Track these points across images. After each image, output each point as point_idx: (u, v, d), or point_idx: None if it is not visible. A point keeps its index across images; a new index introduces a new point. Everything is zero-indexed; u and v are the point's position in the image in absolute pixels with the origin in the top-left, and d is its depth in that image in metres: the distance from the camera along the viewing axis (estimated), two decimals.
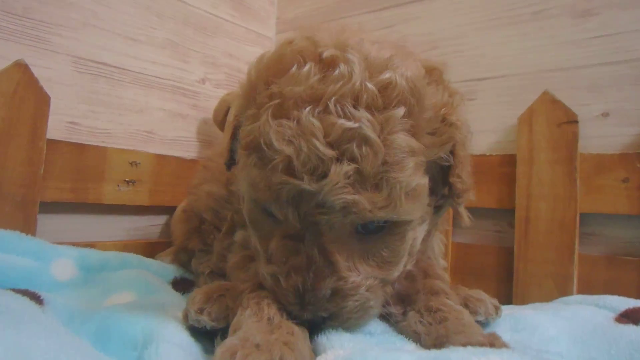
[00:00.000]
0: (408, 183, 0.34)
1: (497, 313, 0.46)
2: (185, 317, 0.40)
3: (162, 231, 0.93)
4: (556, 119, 0.74)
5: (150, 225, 0.91)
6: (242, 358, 0.29)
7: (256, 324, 0.34)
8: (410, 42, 0.95)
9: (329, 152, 0.33)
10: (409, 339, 0.38)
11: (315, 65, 0.36)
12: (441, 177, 0.40)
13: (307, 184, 0.33)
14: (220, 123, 0.97)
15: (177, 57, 0.95)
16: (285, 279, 0.35)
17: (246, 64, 1.08)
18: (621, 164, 0.70)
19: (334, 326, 0.36)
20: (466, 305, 0.45)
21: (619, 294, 0.65)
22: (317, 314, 0.35)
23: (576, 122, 0.73)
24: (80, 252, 0.57)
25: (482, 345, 0.33)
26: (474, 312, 0.45)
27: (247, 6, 1.11)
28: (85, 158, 0.76)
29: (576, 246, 0.70)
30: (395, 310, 0.40)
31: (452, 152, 0.39)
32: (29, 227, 0.65)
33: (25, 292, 0.39)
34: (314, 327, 0.36)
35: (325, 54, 0.36)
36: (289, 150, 0.33)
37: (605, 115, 0.74)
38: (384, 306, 0.40)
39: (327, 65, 0.36)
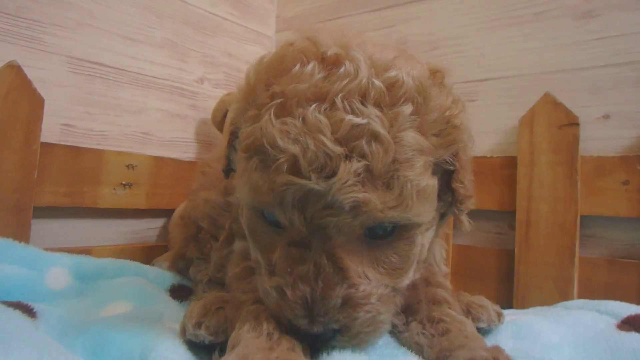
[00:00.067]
0: (418, 182, 0.33)
1: (499, 320, 0.45)
2: (183, 331, 0.39)
3: (160, 234, 0.92)
4: (557, 121, 0.74)
5: (147, 229, 0.90)
6: None
7: (255, 340, 0.33)
8: (410, 42, 0.94)
9: (338, 149, 0.31)
10: (411, 351, 0.38)
11: (318, 64, 0.35)
12: (445, 182, 0.39)
13: (314, 183, 0.31)
14: (219, 124, 0.96)
15: (176, 56, 0.94)
16: (291, 290, 0.33)
17: (246, 63, 1.10)
18: (622, 166, 0.70)
19: (345, 341, 0.34)
20: (469, 312, 0.45)
21: (620, 297, 0.65)
22: (328, 326, 0.33)
23: (577, 124, 0.73)
24: (76, 259, 0.56)
25: None
26: (476, 319, 0.44)
27: (246, 5, 1.09)
28: (80, 161, 0.75)
29: (577, 249, 0.70)
30: (397, 320, 0.39)
31: (455, 157, 0.38)
32: (22, 233, 0.64)
33: (17, 305, 0.38)
34: (321, 343, 0.34)
35: (329, 53, 0.35)
36: (294, 148, 0.31)
37: (606, 117, 0.74)
38: None
39: (331, 63, 0.35)
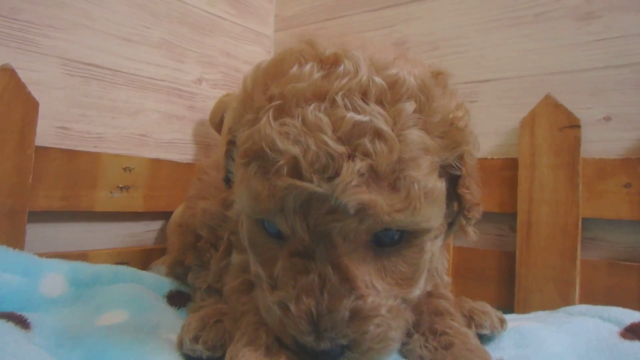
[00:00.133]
0: (425, 183, 0.32)
1: (502, 326, 0.45)
2: (180, 344, 0.38)
3: (158, 237, 0.92)
4: (558, 123, 0.74)
5: (145, 231, 0.90)
6: None
7: (253, 354, 0.32)
8: (410, 42, 0.94)
9: (340, 148, 0.30)
10: None
11: (317, 64, 0.34)
12: (451, 189, 0.38)
13: (316, 186, 0.29)
14: (218, 125, 0.95)
15: (173, 57, 0.93)
16: (295, 305, 0.31)
17: (244, 63, 1.09)
18: (623, 169, 0.69)
19: (354, 358, 0.32)
20: (471, 318, 0.44)
21: (621, 300, 0.65)
22: (335, 342, 0.31)
23: (578, 126, 0.72)
24: (71, 265, 0.55)
25: None
26: (479, 326, 0.43)
27: (245, 4, 1.08)
28: (76, 164, 0.74)
29: (578, 251, 0.70)
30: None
31: (461, 161, 0.37)
32: (17, 238, 0.63)
33: (10, 317, 0.37)
34: None
35: (328, 53, 0.34)
36: (294, 150, 0.30)
37: (607, 119, 0.73)
38: None
39: (329, 63, 0.34)
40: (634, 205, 0.68)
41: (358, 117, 0.30)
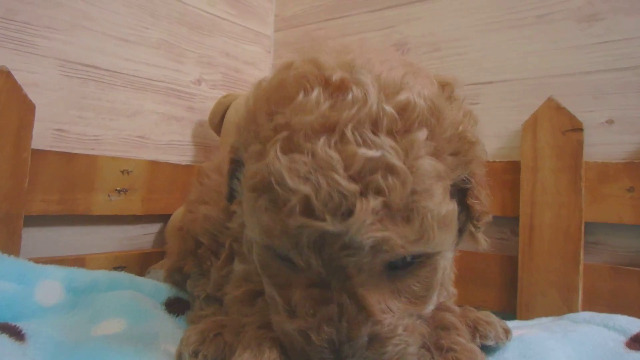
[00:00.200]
0: (439, 211, 0.32)
1: (507, 337, 0.44)
2: (179, 358, 0.37)
3: (156, 240, 0.91)
4: (561, 126, 0.73)
5: (143, 235, 0.89)
6: None
7: None
8: (411, 44, 0.93)
9: (352, 187, 0.29)
10: None
11: (323, 91, 0.32)
12: (459, 200, 0.37)
13: (330, 225, 0.29)
14: (217, 126, 0.94)
15: (172, 57, 0.92)
16: (316, 334, 0.31)
17: (244, 64, 1.08)
18: (626, 172, 0.69)
19: None
20: (475, 329, 0.43)
21: (625, 305, 0.65)
22: None
23: (581, 129, 0.72)
24: (68, 272, 0.54)
25: None
26: (483, 336, 0.43)
27: (244, 4, 1.07)
28: (73, 167, 0.73)
29: (581, 256, 0.69)
30: None
31: (471, 173, 0.37)
32: (13, 243, 0.62)
33: (4, 328, 0.36)
34: None
35: (335, 78, 0.33)
36: (305, 188, 0.29)
37: (610, 122, 0.73)
38: None
39: (336, 89, 0.32)
40: (637, 210, 0.67)
41: (369, 153, 0.30)
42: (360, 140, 0.30)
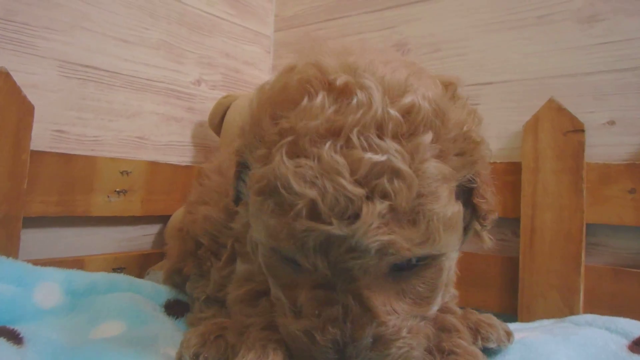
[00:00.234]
0: (444, 213, 0.32)
1: (509, 340, 0.44)
2: None
3: (156, 241, 0.90)
4: (562, 127, 0.73)
5: (142, 235, 0.88)
6: None
7: None
8: (411, 44, 0.93)
9: (359, 191, 0.29)
10: None
11: (327, 95, 0.32)
12: (465, 199, 0.37)
13: (337, 229, 0.30)
14: (217, 127, 0.94)
15: (171, 58, 0.92)
16: (321, 334, 0.32)
17: (244, 64, 1.08)
18: (628, 174, 0.69)
19: None
20: (477, 331, 0.43)
21: (626, 307, 0.64)
22: None
23: (582, 130, 0.71)
24: (67, 274, 0.54)
25: None
26: (485, 339, 0.42)
27: (244, 4, 1.07)
28: (72, 168, 0.73)
29: (582, 257, 0.69)
30: None
31: (476, 173, 0.37)
32: (11, 245, 0.62)
33: (2, 331, 0.36)
34: None
35: (339, 82, 0.32)
36: (311, 193, 0.30)
37: (611, 123, 0.73)
38: None
39: (341, 93, 0.32)
40: (639, 211, 0.67)
41: (375, 158, 0.30)
42: (365, 144, 0.30)
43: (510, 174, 0.77)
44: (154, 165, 0.86)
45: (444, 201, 0.32)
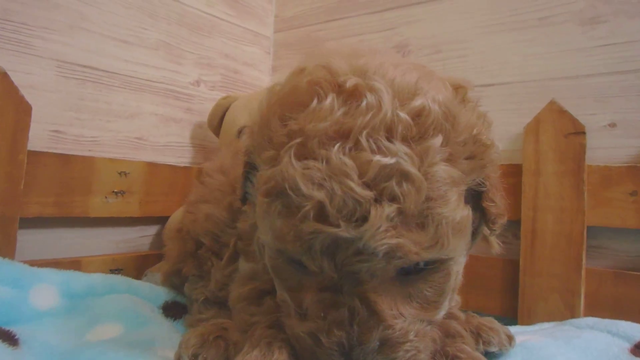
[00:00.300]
0: (453, 217, 0.32)
1: (510, 343, 0.43)
2: None
3: (154, 242, 0.90)
4: (563, 129, 0.72)
5: (140, 237, 0.88)
6: None
7: None
8: (412, 46, 0.92)
9: (367, 194, 0.29)
10: None
11: (337, 97, 0.32)
12: (474, 203, 0.37)
13: (344, 231, 0.29)
14: (216, 128, 0.94)
15: (171, 58, 0.91)
16: (327, 337, 0.31)
17: (243, 65, 1.07)
18: (629, 176, 0.68)
19: None
20: (479, 335, 0.43)
21: (628, 310, 0.64)
22: None
23: (584, 133, 0.71)
24: (64, 276, 0.53)
25: None
26: (487, 343, 0.42)
27: (244, 4, 1.07)
28: (70, 169, 0.72)
29: (583, 260, 0.69)
30: None
31: (486, 176, 0.36)
32: (8, 246, 0.61)
33: None
34: None
35: (348, 84, 0.32)
36: (319, 195, 0.29)
37: (612, 125, 0.72)
38: None
39: (350, 96, 0.32)
40: None
41: (384, 161, 0.30)
42: (374, 147, 0.30)
43: (511, 176, 0.77)
44: (152, 166, 0.86)
45: (453, 205, 0.32)
